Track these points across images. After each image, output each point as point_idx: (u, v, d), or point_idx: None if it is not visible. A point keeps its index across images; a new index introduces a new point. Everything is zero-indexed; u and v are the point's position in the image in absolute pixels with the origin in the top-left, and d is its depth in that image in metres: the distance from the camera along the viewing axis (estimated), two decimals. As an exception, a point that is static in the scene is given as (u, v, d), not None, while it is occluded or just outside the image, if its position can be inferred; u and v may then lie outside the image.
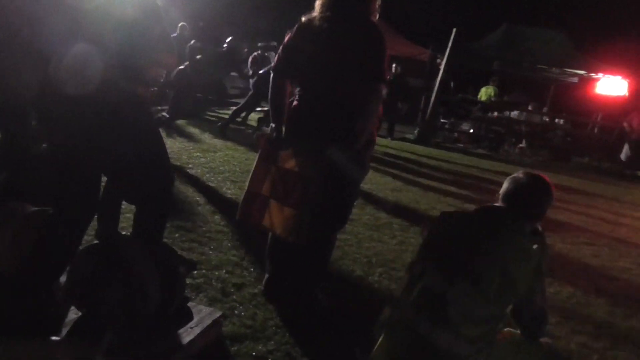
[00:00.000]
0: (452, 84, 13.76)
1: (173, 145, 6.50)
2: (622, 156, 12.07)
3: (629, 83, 13.17)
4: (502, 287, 1.82)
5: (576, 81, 15.11)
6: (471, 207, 4.51)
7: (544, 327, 2.03)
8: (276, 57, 2.83)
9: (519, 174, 2.06)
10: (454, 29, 12.21)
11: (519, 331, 2.05)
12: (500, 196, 2.03)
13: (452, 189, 7.11)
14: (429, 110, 12.54)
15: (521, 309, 1.93)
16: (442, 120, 13.84)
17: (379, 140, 10.91)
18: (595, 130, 13.97)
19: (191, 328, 2.29)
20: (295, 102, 2.80)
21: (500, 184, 2.11)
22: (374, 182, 6.49)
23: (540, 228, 2.12)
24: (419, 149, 10.85)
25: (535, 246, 1.91)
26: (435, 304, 1.85)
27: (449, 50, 12.21)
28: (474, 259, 1.86)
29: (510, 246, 1.89)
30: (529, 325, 1.99)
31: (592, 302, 3.70)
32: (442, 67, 12.52)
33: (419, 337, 1.84)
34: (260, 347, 2.44)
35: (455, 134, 13.79)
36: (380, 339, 1.99)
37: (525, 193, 1.99)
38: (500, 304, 1.86)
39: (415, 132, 12.68)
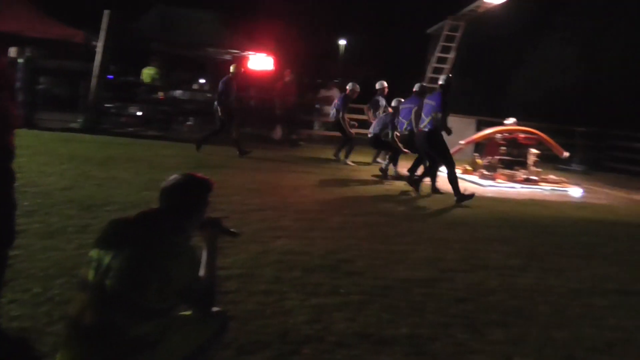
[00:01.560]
0: (111, 67, 13.33)
1: None
2: (275, 135, 13.66)
3: (273, 59, 14.97)
4: (160, 285, 1.95)
5: (230, 59, 16.40)
6: (149, 194, 4.54)
7: (212, 302, 2.26)
8: None
9: (171, 176, 2.23)
10: (105, 11, 11.87)
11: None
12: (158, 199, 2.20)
13: (128, 177, 7.06)
14: (91, 96, 11.99)
15: (186, 295, 2.10)
16: (107, 105, 13.35)
17: (32, 134, 9.80)
18: (252, 103, 15.49)
19: None
20: None
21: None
22: (39, 184, 6.00)
23: (208, 218, 2.36)
24: (87, 137, 10.33)
25: (187, 240, 2.11)
26: (101, 313, 1.91)
27: (104, 32, 11.81)
28: (132, 264, 1.96)
29: (162, 246, 2.03)
30: (196, 305, 2.20)
31: (261, 262, 4.27)
32: (98, 49, 12.05)
33: (94, 345, 1.90)
34: None
35: (123, 118, 13.53)
36: (58, 356, 1.97)
37: (174, 193, 2.17)
38: (164, 299, 1.99)
39: (80, 120, 11.99)
